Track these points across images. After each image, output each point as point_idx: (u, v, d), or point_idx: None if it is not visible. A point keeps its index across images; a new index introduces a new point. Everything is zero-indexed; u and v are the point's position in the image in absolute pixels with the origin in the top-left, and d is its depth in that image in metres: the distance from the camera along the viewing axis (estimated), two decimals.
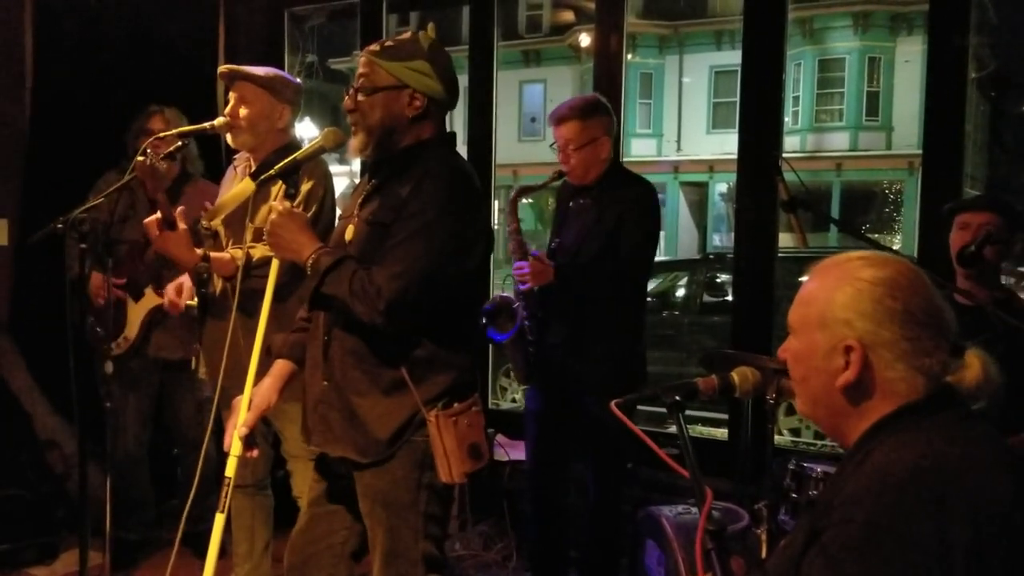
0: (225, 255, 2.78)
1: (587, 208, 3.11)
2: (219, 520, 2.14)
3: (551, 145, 3.10)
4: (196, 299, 3.10)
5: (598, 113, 3.07)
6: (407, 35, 2.18)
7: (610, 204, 3.04)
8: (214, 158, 4.13)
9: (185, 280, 3.25)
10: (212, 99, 4.33)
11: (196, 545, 3.07)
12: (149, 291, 3.52)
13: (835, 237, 15.18)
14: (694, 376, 1.65)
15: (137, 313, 3.54)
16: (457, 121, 2.13)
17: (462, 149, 2.39)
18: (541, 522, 3.30)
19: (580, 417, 3.11)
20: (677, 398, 1.53)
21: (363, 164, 2.45)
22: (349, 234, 2.19)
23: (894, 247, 17.32)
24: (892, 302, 1.33)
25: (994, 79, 20.93)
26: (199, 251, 2.72)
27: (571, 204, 3.18)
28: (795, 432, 6.24)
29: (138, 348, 3.56)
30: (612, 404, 1.56)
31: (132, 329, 3.54)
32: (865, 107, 21.28)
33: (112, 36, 4.18)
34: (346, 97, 2.17)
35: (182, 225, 2.67)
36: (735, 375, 1.62)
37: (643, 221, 3.08)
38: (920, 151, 3.51)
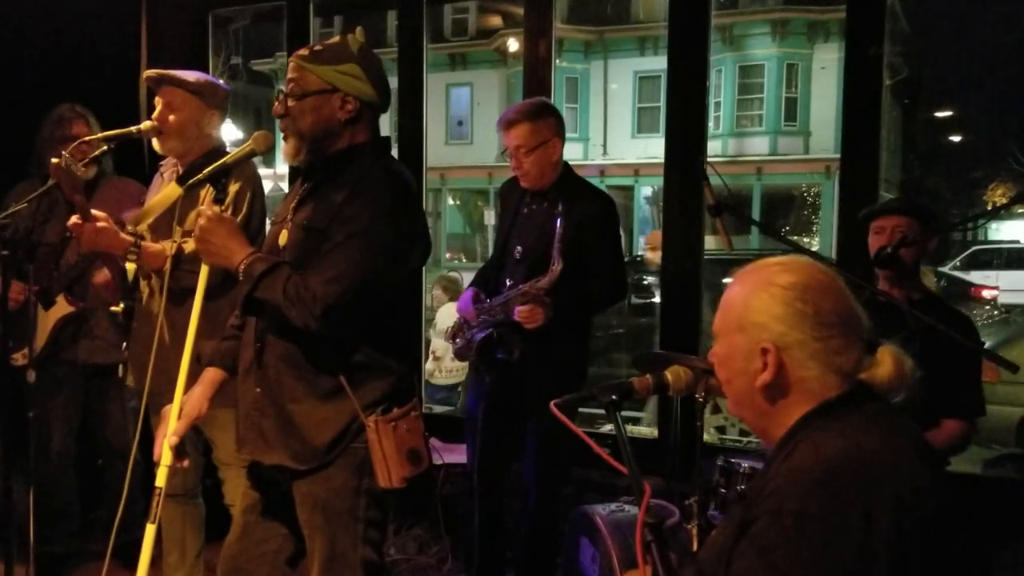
0: (156, 246, 2.74)
1: (545, 212, 3.07)
2: (150, 530, 2.11)
3: (502, 152, 3.08)
4: (122, 306, 3.02)
5: (546, 115, 3.08)
6: (336, 39, 2.16)
7: (571, 212, 2.99)
8: (137, 162, 4.04)
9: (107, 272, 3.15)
10: (135, 101, 4.24)
11: (124, 556, 3.01)
12: (60, 299, 3.41)
13: (757, 239, 15.53)
14: (625, 377, 1.68)
15: (47, 322, 3.42)
16: (384, 124, 2.12)
17: (392, 152, 2.39)
18: (483, 525, 3.27)
19: (530, 421, 3.11)
20: (614, 397, 1.57)
21: (292, 168, 2.43)
22: (283, 239, 2.16)
23: (812, 248, 17.83)
24: (803, 305, 1.41)
25: (907, 86, 21.70)
26: (129, 238, 2.68)
27: (524, 209, 3.16)
28: (721, 430, 6.36)
29: (49, 357, 3.42)
30: (552, 404, 1.60)
31: (40, 339, 3.41)
32: (784, 112, 21.84)
33: (29, 36, 4.05)
34: (276, 103, 2.15)
35: (103, 224, 2.63)
36: (668, 374, 1.68)
37: (616, 238, 3.18)
38: (837, 155, 3.62)
